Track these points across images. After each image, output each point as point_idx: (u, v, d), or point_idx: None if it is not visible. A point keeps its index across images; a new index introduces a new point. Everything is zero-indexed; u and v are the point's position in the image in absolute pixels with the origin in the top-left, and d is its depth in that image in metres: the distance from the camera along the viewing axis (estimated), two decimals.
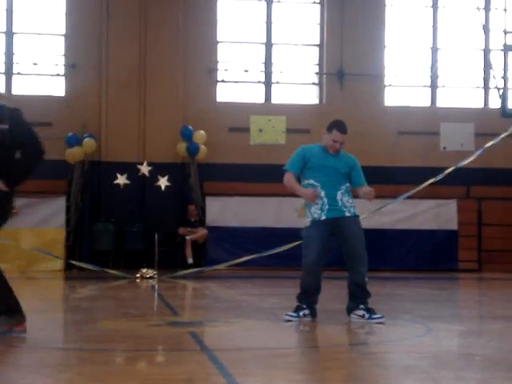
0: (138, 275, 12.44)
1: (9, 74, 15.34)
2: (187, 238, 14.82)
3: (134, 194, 14.99)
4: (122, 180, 14.81)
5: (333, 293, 8.72)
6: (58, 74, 15.49)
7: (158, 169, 14.94)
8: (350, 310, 6.91)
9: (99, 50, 15.17)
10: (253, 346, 5.65)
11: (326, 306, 7.44)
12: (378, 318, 6.74)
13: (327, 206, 6.86)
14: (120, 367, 4.86)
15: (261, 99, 16.13)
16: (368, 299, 6.88)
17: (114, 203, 14.94)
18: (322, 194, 6.87)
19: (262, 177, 14.93)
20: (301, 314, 6.84)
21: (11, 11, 15.37)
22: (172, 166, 15.17)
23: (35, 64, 15.44)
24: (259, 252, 12.51)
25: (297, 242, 12.29)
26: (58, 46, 15.49)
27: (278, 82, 16.23)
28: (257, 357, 5.11)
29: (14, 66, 15.37)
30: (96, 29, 15.17)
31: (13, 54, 15.36)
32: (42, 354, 5.20)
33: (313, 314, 6.91)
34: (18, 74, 15.42)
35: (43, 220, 14.41)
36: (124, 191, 14.87)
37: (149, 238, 14.42)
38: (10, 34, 15.36)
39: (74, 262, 13.39)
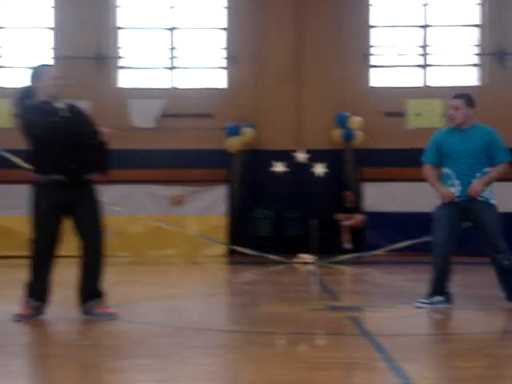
0: (296, 260, 12.67)
1: (172, 68, 16.00)
2: (344, 223, 14.89)
3: (291, 181, 15.25)
4: (279, 167, 15.14)
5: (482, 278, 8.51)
6: (220, 67, 15.99)
7: (315, 156, 15.13)
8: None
9: (258, 41, 15.50)
10: (414, 332, 5.65)
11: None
12: None
13: (457, 191, 6.65)
14: (283, 349, 5.03)
15: (418, 83, 15.86)
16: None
17: (272, 190, 15.26)
18: (455, 188, 6.63)
19: (420, 161, 14.69)
20: (433, 300, 6.67)
21: (172, 7, 15.98)
22: (328, 152, 15.27)
23: (197, 58, 16.01)
24: (418, 237, 12.36)
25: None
26: (220, 40, 15.98)
27: (435, 65, 15.90)
28: (419, 342, 5.12)
29: (178, 60, 16.01)
30: (254, 21, 15.50)
31: (175, 48, 16.00)
32: (208, 335, 5.46)
33: (447, 300, 6.68)
34: (182, 68, 16.04)
35: (206, 207, 14.99)
36: (282, 178, 15.18)
37: (306, 224, 14.64)
38: (172, 30, 16.00)
39: (235, 248, 13.83)
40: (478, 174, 6.61)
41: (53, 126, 5.92)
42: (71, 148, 5.94)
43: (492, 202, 6.69)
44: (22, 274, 6.35)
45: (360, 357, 4.58)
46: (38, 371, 4.22)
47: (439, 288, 6.70)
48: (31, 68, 6.22)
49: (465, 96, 6.80)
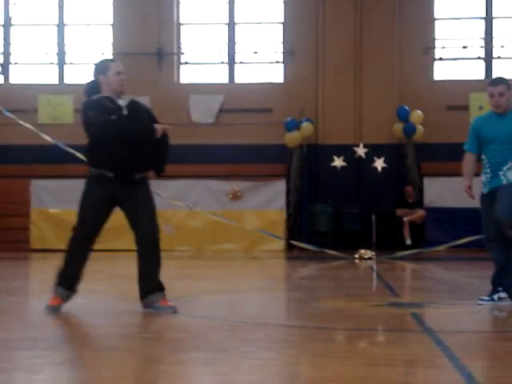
0: (356, 256, 12.58)
1: (231, 63, 16.05)
2: (405, 219, 14.71)
3: (350, 176, 15.14)
4: (338, 162, 15.05)
5: None
6: (278, 61, 15.97)
7: (375, 150, 14.99)
8: None
9: (316, 35, 15.42)
10: (478, 329, 5.55)
11: None
12: None
13: (486, 180, 6.48)
14: (343, 346, 5.00)
15: (480, 76, 15.56)
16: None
17: (331, 185, 15.18)
18: (487, 177, 6.41)
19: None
20: (495, 297, 6.47)
21: (232, 2, 16.05)
22: (388, 146, 15.11)
23: (255, 52, 16.03)
24: (480, 233, 12.11)
25: None
26: (277, 34, 15.96)
27: (498, 57, 15.57)
28: (482, 340, 5.03)
29: (237, 55, 16.06)
30: (312, 15, 15.43)
31: (234, 43, 16.05)
32: (268, 330, 5.46)
33: (510, 295, 6.45)
34: (240, 63, 16.09)
35: (265, 202, 14.99)
36: (341, 173, 15.09)
37: (366, 219, 14.51)
38: (231, 25, 16.06)
39: (294, 243, 13.80)
40: (510, 162, 6.37)
41: (110, 124, 5.99)
42: (125, 147, 5.99)
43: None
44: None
45: (422, 354, 4.51)
46: (101, 363, 4.27)
47: (500, 283, 6.51)
48: (95, 63, 6.30)
49: (505, 80, 6.54)
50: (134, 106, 6.17)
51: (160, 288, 6.14)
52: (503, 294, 6.50)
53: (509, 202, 6.31)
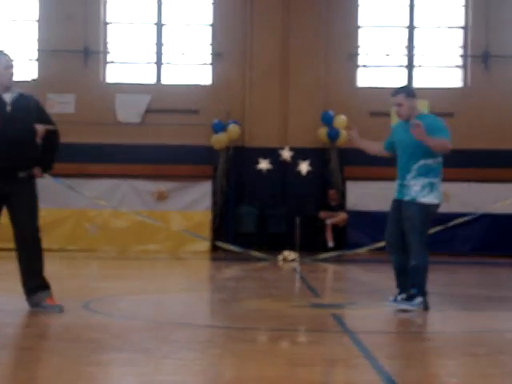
0: (280, 257, 12.72)
1: (159, 64, 15.99)
2: (328, 221, 14.95)
3: (276, 179, 15.29)
4: (264, 165, 15.19)
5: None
6: (205, 63, 15.99)
7: (300, 154, 15.18)
8: None
9: (244, 38, 15.51)
10: (395, 330, 5.70)
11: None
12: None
13: (396, 187, 6.64)
14: (266, 346, 5.07)
15: (403, 83, 15.93)
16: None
17: (256, 187, 15.30)
18: (397, 182, 6.60)
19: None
20: (398, 298, 6.57)
21: (160, 3, 15.99)
22: (313, 150, 15.33)
23: (183, 54, 16.01)
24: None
25: (438, 227, 12.17)
26: (205, 36, 15.97)
27: (420, 66, 15.99)
28: (400, 340, 5.17)
29: (164, 56, 16.00)
30: (241, 18, 15.52)
31: (162, 44, 15.99)
32: (191, 330, 5.48)
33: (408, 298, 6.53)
34: (167, 63, 16.04)
35: (191, 203, 15.00)
36: (266, 175, 15.23)
37: (290, 222, 14.68)
38: (159, 26, 16.00)
39: (219, 244, 13.85)
40: (413, 167, 6.48)
41: None
42: (4, 146, 5.85)
43: (421, 200, 6.46)
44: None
45: (342, 354, 4.62)
46: (18, 364, 4.22)
47: (397, 285, 6.69)
48: None
49: (404, 90, 6.69)
50: (21, 101, 5.99)
51: (46, 286, 6.06)
52: (404, 295, 6.59)
53: (407, 227, 6.46)
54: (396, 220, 6.59)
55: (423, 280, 6.46)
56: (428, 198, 6.47)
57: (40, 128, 5.98)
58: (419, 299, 6.42)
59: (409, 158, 6.53)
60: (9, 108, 5.93)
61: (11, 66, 5.99)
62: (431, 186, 6.47)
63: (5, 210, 6.07)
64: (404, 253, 6.56)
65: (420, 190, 6.46)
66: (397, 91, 6.67)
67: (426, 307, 6.43)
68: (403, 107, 6.59)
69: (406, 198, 6.51)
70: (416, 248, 6.44)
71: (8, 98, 5.95)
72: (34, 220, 6.03)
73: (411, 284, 6.46)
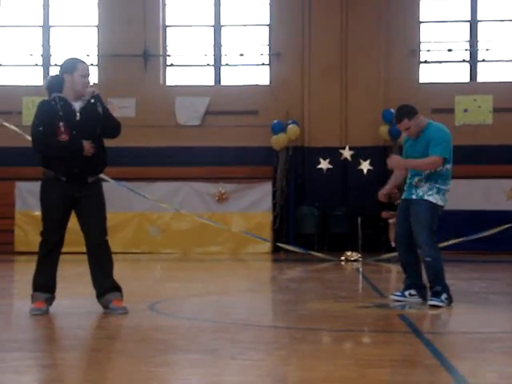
0: (342, 258, 12.60)
1: (217, 65, 16.05)
2: (390, 221, 14.75)
3: (336, 178, 15.18)
4: (324, 164, 15.08)
5: None
6: (264, 64, 15.98)
7: (360, 153, 15.03)
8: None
9: (302, 37, 15.45)
10: (465, 330, 5.57)
11: None
12: None
13: (405, 187, 6.81)
14: (332, 347, 5.00)
15: (466, 79, 15.65)
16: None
17: (317, 187, 15.21)
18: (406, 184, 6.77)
19: (468, 158, 14.49)
20: (406, 293, 6.76)
21: (218, 5, 16.04)
22: (374, 149, 15.17)
23: (241, 55, 16.04)
24: (465, 235, 12.17)
25: (506, 225, 11.88)
26: (263, 36, 15.97)
27: (483, 60, 15.66)
28: (470, 341, 5.04)
29: (223, 57, 16.05)
30: (298, 17, 15.46)
31: (220, 46, 16.05)
32: (256, 331, 5.45)
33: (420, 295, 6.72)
34: (226, 65, 16.09)
35: (251, 204, 14.99)
36: (327, 175, 15.12)
37: (352, 222, 14.55)
38: (217, 27, 16.06)
39: (280, 245, 13.81)
40: (423, 173, 6.62)
41: (47, 149, 5.96)
42: (76, 154, 5.95)
43: (428, 198, 6.63)
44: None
45: (412, 354, 4.53)
46: (89, 365, 4.25)
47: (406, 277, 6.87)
48: (64, 61, 6.17)
49: (405, 115, 6.71)
50: (89, 108, 6.07)
51: (115, 288, 6.11)
52: (413, 291, 6.79)
53: (415, 225, 6.62)
54: (403, 221, 6.78)
55: (441, 275, 6.60)
56: (434, 198, 6.60)
57: (87, 146, 6.01)
58: (444, 295, 6.51)
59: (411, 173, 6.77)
60: (78, 116, 6.02)
61: (87, 75, 6.10)
62: (438, 190, 6.63)
63: (73, 215, 6.15)
64: (411, 250, 6.76)
65: (427, 190, 6.63)
66: (399, 118, 6.75)
67: (450, 301, 6.54)
68: (411, 129, 6.71)
69: (414, 197, 6.68)
70: (426, 245, 6.59)
71: (78, 106, 6.05)
72: (103, 223, 6.10)
73: (431, 281, 6.60)
